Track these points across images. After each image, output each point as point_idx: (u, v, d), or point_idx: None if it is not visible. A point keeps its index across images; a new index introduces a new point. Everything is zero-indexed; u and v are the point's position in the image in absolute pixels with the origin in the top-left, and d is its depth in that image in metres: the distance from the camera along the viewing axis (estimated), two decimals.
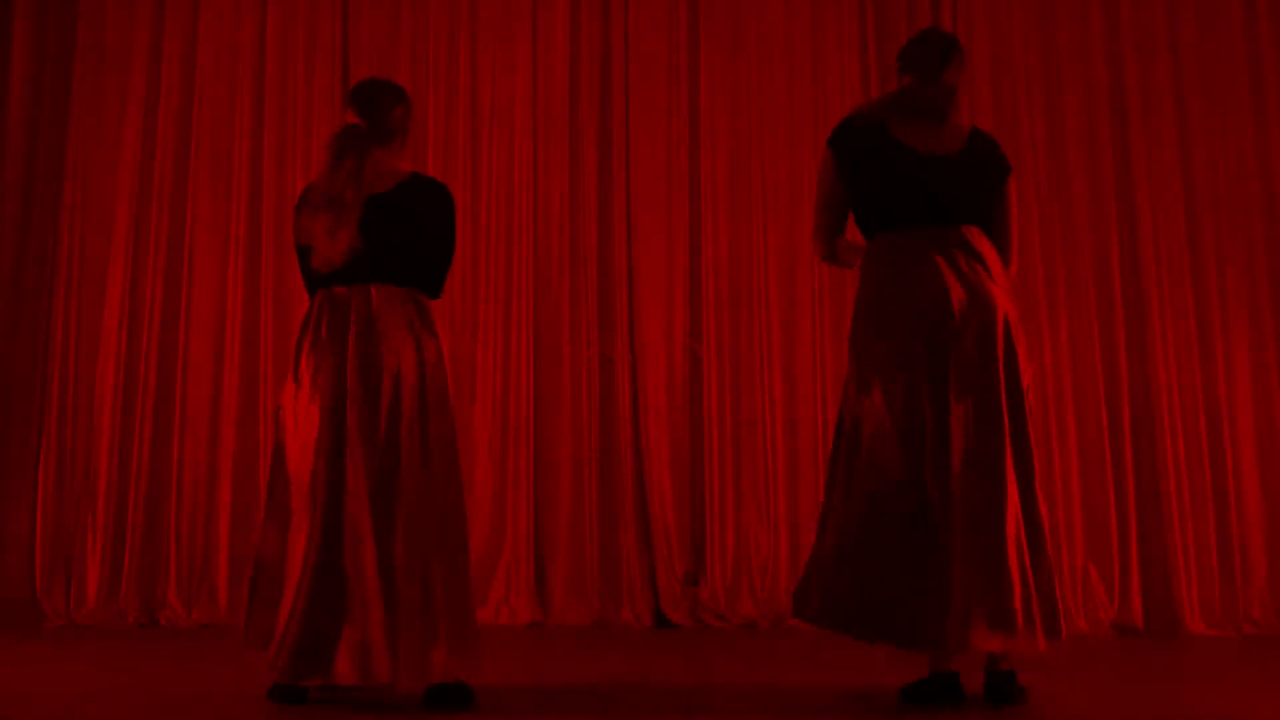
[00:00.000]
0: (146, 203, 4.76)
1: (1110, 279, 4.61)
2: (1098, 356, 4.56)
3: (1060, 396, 4.54)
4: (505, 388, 4.64)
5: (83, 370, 4.63)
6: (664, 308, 4.73)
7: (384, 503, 2.44)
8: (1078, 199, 4.66)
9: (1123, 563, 4.42)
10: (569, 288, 4.73)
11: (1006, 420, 2.42)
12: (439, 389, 2.58)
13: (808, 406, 4.59)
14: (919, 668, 2.56)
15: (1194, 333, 4.56)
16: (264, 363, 4.64)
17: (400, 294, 2.57)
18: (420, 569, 2.43)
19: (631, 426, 4.64)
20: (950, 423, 2.40)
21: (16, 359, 4.62)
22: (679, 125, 4.82)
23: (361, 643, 2.36)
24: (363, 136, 2.60)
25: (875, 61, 4.79)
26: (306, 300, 4.63)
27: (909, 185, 2.55)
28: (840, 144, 2.64)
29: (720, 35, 4.87)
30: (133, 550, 4.48)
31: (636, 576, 4.52)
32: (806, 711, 2.48)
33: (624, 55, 4.87)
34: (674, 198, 4.79)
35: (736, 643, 3.94)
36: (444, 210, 2.63)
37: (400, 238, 2.57)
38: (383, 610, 2.37)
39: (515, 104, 4.83)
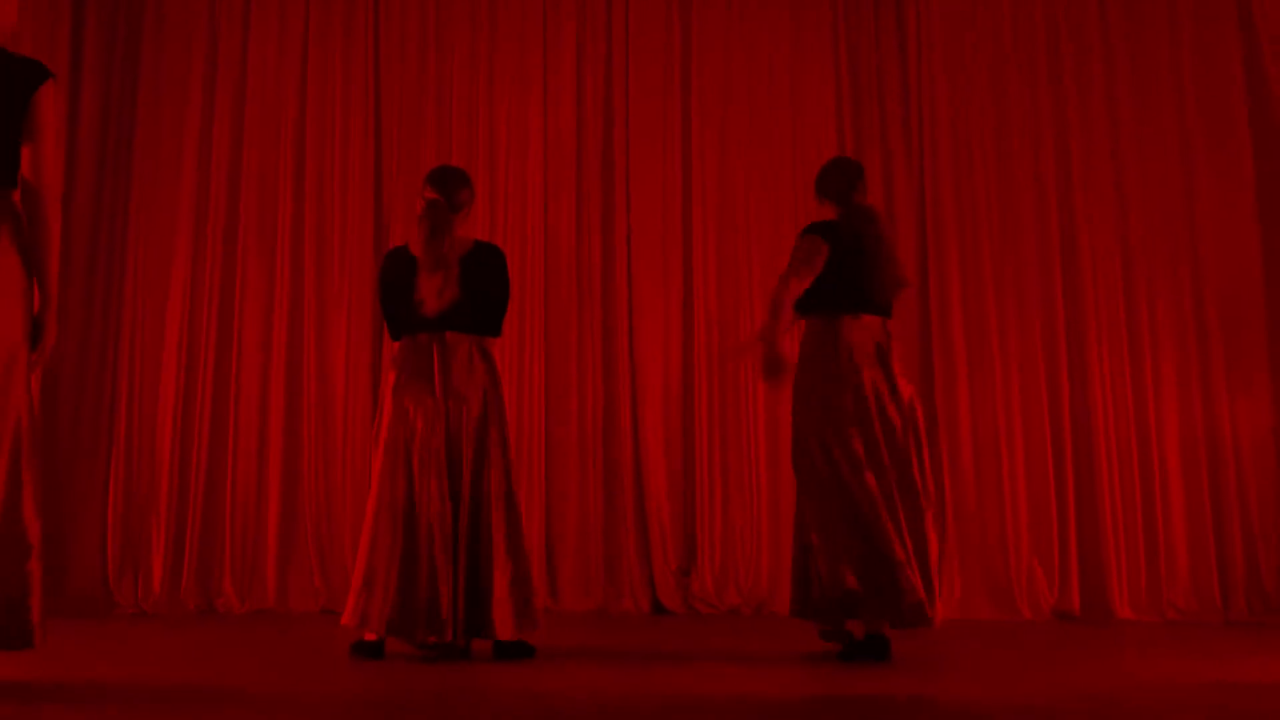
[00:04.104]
0: (202, 236, 5.23)
1: (1054, 312, 5.17)
2: (1042, 379, 5.13)
3: (1009, 414, 5.10)
4: (519, 403, 5.14)
5: (146, 390, 5.10)
6: (661, 331, 5.28)
7: (463, 492, 3.13)
8: (1024, 243, 5.22)
9: (1062, 557, 4.97)
10: (575, 315, 5.28)
11: (913, 458, 3.27)
12: (497, 406, 3.27)
13: (788, 421, 5.12)
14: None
15: (1127, 358, 5.11)
16: (306, 382, 5.15)
17: (466, 338, 3.24)
18: (486, 547, 3.10)
19: (631, 438, 5.19)
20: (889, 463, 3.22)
21: (88, 380, 5.06)
22: (673, 165, 5.40)
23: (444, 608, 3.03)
24: (445, 210, 3.26)
25: (851, 132, 5.37)
26: (354, 330, 5.15)
27: (873, 278, 3.26)
28: (832, 234, 3.29)
29: (711, 91, 5.41)
30: (192, 546, 4.99)
31: (636, 569, 5.07)
32: (775, 679, 2.84)
33: (625, 108, 5.41)
34: (668, 225, 5.34)
35: (724, 627, 4.43)
36: (504, 268, 3.33)
37: (481, 290, 3.26)
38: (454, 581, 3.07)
39: (528, 150, 5.36)
